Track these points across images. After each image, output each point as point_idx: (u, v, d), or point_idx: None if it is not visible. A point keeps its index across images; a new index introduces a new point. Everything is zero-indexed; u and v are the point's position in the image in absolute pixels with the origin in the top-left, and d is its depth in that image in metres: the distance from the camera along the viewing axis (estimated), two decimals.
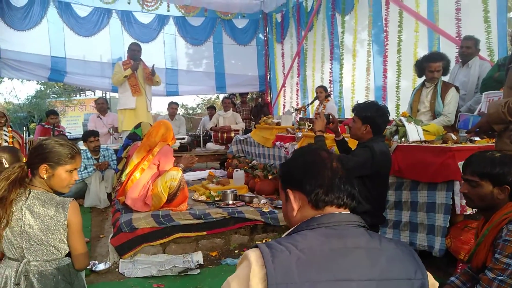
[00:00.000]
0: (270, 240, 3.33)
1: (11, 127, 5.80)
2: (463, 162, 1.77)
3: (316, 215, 0.98)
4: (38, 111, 11.55)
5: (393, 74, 5.28)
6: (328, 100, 5.88)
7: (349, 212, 1.01)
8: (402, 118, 3.11)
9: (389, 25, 5.27)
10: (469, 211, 2.45)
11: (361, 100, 5.96)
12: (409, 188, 2.82)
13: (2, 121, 5.23)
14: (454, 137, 2.83)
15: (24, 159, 2.20)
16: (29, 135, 6.04)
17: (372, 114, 2.43)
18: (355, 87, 6.15)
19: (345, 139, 2.94)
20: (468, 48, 3.93)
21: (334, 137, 2.97)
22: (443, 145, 2.70)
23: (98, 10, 7.26)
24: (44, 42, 6.93)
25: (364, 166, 2.30)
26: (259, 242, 0.92)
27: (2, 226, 1.59)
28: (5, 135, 5.32)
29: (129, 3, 7.27)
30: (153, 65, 5.90)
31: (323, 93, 5.90)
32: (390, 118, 2.62)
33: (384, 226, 2.89)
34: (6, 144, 5.27)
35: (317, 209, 0.99)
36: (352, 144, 2.77)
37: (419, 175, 2.72)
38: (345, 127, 4.08)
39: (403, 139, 3.01)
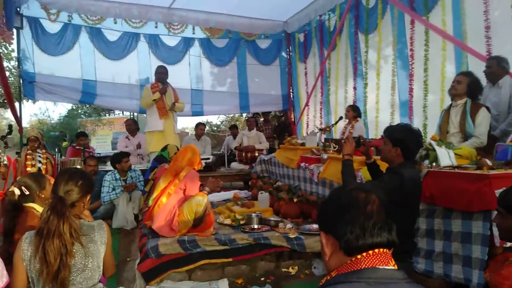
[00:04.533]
0: (296, 267, 3.19)
1: (45, 148, 6.06)
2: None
3: (352, 263, 0.93)
4: (70, 130, 12.01)
5: (420, 91, 5.18)
6: (357, 121, 5.70)
7: (394, 268, 0.94)
8: (432, 142, 3.02)
9: (415, 44, 5.19)
10: (510, 243, 2.32)
11: (386, 118, 5.85)
12: (442, 216, 2.71)
13: (36, 145, 5.46)
14: (489, 162, 2.71)
15: (50, 185, 2.27)
16: (60, 156, 6.25)
17: (403, 136, 2.38)
18: (379, 105, 6.05)
19: (376, 162, 2.87)
20: (489, 68, 3.83)
21: (365, 160, 2.91)
22: (478, 171, 2.58)
23: (127, 35, 7.53)
24: (76, 66, 7.23)
25: (391, 193, 2.23)
26: None
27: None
28: (39, 156, 5.55)
29: (156, 27, 7.51)
30: (173, 102, 6.05)
31: (350, 112, 5.71)
32: None
33: (416, 256, 2.78)
34: (40, 165, 5.49)
35: (349, 256, 0.95)
36: (384, 167, 2.70)
37: (452, 203, 2.61)
38: (372, 148, 3.98)
39: (434, 164, 2.92)
